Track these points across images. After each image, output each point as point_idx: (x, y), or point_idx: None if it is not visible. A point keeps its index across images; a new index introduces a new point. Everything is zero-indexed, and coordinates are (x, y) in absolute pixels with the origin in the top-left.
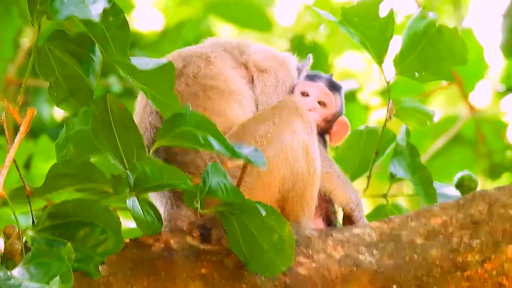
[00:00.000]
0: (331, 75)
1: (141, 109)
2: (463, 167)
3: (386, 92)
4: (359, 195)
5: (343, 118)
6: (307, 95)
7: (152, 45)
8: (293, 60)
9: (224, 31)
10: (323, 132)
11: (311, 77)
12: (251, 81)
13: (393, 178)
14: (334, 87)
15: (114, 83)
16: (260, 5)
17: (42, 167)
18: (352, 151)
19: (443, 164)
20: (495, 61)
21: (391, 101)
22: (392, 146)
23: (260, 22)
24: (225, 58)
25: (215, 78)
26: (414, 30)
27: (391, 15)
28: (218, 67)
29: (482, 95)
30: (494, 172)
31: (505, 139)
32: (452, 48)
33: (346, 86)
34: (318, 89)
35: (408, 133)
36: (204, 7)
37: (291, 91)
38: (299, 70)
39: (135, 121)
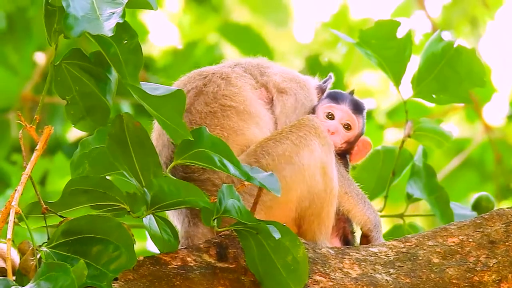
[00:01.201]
0: (353, 93)
1: (159, 126)
2: (474, 188)
3: (402, 112)
4: (378, 215)
5: (365, 137)
6: (332, 117)
7: (164, 68)
8: (313, 81)
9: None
10: (345, 152)
11: (334, 98)
12: (271, 101)
13: (410, 198)
14: (357, 108)
15: (124, 102)
16: (265, 32)
17: (58, 184)
18: (369, 170)
19: (455, 184)
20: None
21: (409, 121)
22: (409, 166)
23: (261, 50)
24: (245, 79)
25: (234, 99)
26: (432, 52)
27: (409, 37)
28: (238, 87)
29: (494, 116)
30: (508, 193)
31: None
32: (470, 70)
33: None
34: (343, 112)
35: (425, 153)
36: (215, 29)
37: (313, 111)
38: (321, 90)
39: (153, 137)
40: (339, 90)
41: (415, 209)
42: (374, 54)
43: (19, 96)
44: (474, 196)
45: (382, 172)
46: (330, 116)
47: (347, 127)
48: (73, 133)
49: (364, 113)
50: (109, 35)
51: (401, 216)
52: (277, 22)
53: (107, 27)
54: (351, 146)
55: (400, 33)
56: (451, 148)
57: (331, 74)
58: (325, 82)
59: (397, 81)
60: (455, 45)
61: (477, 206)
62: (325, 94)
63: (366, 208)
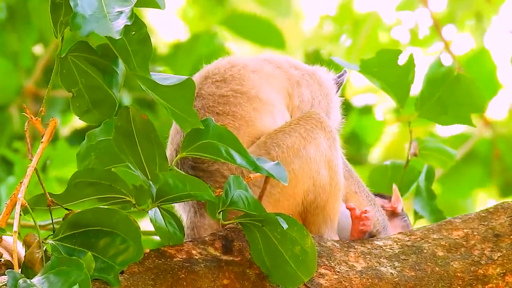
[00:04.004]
0: (344, 74)
1: None
2: (476, 183)
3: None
4: (386, 218)
5: None
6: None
7: (166, 59)
8: (329, 75)
9: (238, 46)
10: None
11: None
12: (287, 95)
13: (416, 215)
14: None
15: (124, 95)
16: (273, 22)
17: (59, 171)
18: (376, 186)
19: (457, 180)
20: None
21: (414, 140)
22: (415, 184)
23: (274, 39)
24: (266, 72)
25: (244, 84)
26: (433, 76)
27: (411, 61)
28: (257, 78)
29: (497, 111)
30: (508, 189)
31: None
32: (470, 96)
33: (362, 100)
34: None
35: (429, 174)
36: (218, 21)
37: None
38: (337, 84)
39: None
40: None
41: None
42: (377, 80)
43: (21, 88)
44: None
45: (389, 187)
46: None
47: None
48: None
49: None
50: (117, 38)
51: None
52: (281, 13)
53: (116, 29)
54: None
55: (402, 60)
56: (455, 142)
57: (346, 69)
58: (340, 76)
59: (401, 104)
60: (455, 71)
61: None
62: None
63: (376, 210)
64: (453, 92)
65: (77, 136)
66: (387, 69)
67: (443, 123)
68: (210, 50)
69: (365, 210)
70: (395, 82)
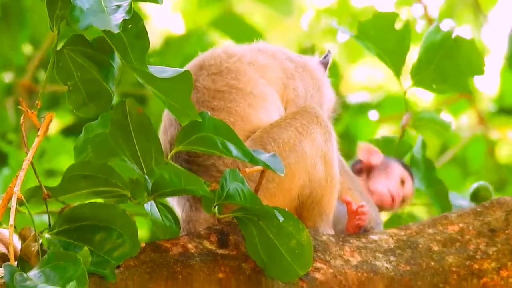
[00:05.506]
0: (329, 54)
1: None
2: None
3: (395, 105)
4: (380, 214)
5: None
6: (404, 183)
7: (156, 54)
8: (314, 59)
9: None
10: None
11: (406, 166)
12: (282, 87)
13: None
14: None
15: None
16: (252, 22)
17: (53, 162)
18: None
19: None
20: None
21: (408, 112)
22: (407, 156)
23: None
24: (262, 63)
25: (240, 78)
26: (431, 42)
27: (407, 27)
28: (252, 71)
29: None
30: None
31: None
32: (469, 59)
33: (357, 98)
34: (412, 184)
35: (423, 145)
36: (209, 21)
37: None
38: (323, 65)
39: (163, 115)
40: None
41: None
42: (373, 46)
43: (14, 84)
44: (472, 186)
45: None
46: (403, 182)
47: (403, 200)
48: None
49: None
50: (116, 32)
51: None
52: (282, 11)
53: (114, 22)
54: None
55: (399, 25)
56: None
57: (330, 49)
58: (325, 57)
59: (397, 72)
60: (453, 35)
61: (476, 196)
62: (398, 160)
63: (369, 206)
64: (452, 56)
65: (71, 128)
66: (383, 34)
67: (439, 92)
68: (201, 48)
69: (362, 205)
70: (391, 48)
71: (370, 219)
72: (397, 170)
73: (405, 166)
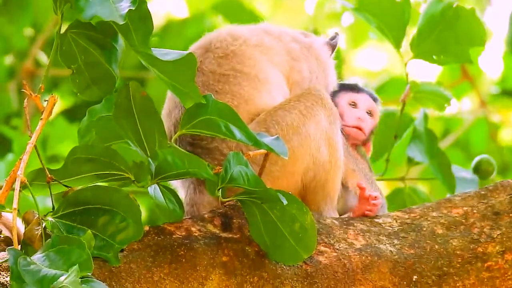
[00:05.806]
0: (336, 36)
1: None
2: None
3: (392, 88)
4: (383, 195)
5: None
6: (355, 105)
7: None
8: (320, 40)
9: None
10: (362, 144)
11: (352, 88)
12: (287, 69)
13: (411, 162)
14: (373, 96)
15: None
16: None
17: (58, 148)
18: None
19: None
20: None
21: (409, 84)
22: (409, 129)
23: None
24: (267, 45)
25: (245, 62)
26: (431, 13)
27: (407, 1)
28: (258, 54)
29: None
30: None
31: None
32: (470, 30)
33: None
34: (365, 99)
35: (426, 117)
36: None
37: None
38: (331, 46)
39: (167, 97)
40: (351, 82)
41: (415, 172)
42: (373, 19)
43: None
44: (475, 160)
45: (383, 135)
46: (353, 105)
47: (370, 114)
48: None
49: (379, 102)
50: (121, 23)
51: (402, 179)
52: None
53: (119, 12)
54: (369, 138)
55: None
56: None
57: (337, 31)
58: (333, 39)
59: (397, 44)
60: (454, 5)
61: (478, 169)
62: (338, 86)
63: (374, 189)
64: (452, 27)
65: (74, 112)
66: (383, 6)
67: (440, 63)
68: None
69: (376, 196)
70: (391, 20)
71: (378, 208)
72: (341, 99)
73: (350, 88)
